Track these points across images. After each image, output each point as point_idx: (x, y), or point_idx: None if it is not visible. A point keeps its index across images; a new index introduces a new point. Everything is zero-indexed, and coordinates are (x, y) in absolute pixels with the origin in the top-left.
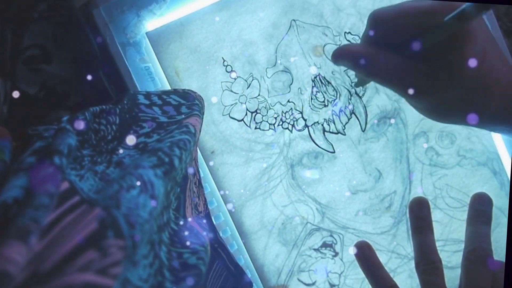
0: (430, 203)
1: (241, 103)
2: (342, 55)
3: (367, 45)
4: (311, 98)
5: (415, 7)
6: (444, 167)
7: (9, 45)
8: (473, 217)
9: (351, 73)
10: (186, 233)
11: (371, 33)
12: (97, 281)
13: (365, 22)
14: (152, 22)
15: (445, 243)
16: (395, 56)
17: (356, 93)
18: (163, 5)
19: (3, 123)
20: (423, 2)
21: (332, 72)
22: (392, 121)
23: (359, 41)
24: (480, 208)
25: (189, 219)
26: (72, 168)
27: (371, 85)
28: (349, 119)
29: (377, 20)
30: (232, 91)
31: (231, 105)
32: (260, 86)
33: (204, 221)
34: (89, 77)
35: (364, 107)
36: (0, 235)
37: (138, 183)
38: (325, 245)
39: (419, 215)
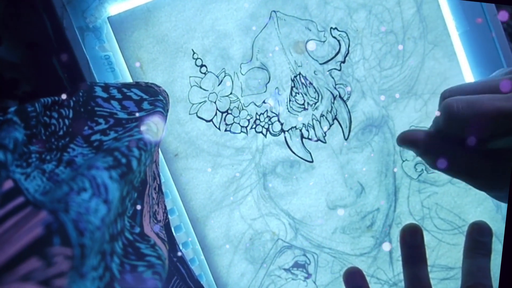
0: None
1: (211, 101)
2: (407, 142)
3: (436, 136)
4: (290, 100)
5: (497, 110)
6: (434, 184)
7: None
8: (471, 249)
9: (335, 73)
10: (142, 244)
11: (443, 126)
12: None
13: (354, 17)
14: (115, 6)
15: (431, 269)
16: (464, 152)
17: (340, 96)
18: None
19: None
20: (505, 102)
21: (314, 71)
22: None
23: (346, 39)
24: (479, 239)
25: (146, 229)
26: (18, 166)
27: (357, 88)
28: (330, 126)
29: (451, 112)
30: (201, 87)
31: (200, 103)
32: (233, 83)
33: (163, 231)
34: (41, 64)
35: (349, 112)
36: None
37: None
38: (297, 265)
39: (412, 244)
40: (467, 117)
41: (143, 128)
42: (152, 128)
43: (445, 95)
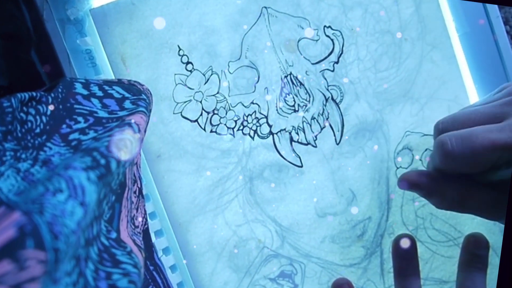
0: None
1: (196, 100)
2: (410, 186)
3: (437, 175)
4: (279, 101)
5: (492, 143)
6: None
7: None
8: (467, 262)
9: (328, 74)
10: (118, 250)
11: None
12: None
13: (349, 15)
14: None
15: (424, 282)
16: (470, 187)
17: (332, 98)
18: None
19: None
20: (498, 133)
21: (306, 72)
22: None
23: (340, 38)
24: (475, 252)
25: (123, 234)
26: None
27: (351, 90)
28: (322, 129)
29: (446, 150)
30: (186, 85)
31: (184, 102)
32: (220, 82)
33: (141, 237)
34: (19, 57)
35: (341, 115)
36: None
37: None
38: (283, 275)
39: (405, 255)
40: (463, 154)
41: (124, 128)
42: (134, 128)
43: (438, 128)
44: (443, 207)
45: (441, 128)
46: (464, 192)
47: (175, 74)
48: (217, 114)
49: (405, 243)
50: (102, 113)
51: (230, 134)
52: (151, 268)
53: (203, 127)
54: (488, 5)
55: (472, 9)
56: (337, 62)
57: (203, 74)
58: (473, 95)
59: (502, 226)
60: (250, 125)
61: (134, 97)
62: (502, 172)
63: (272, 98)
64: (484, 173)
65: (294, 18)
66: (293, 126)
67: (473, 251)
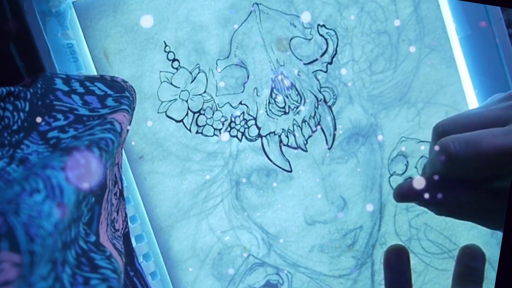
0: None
1: (182, 100)
2: (406, 198)
3: (434, 182)
4: (269, 102)
5: (498, 148)
6: None
7: None
8: (461, 275)
9: (321, 75)
10: (97, 254)
11: (441, 169)
12: None
13: (344, 14)
14: None
15: None
16: (469, 194)
17: (324, 100)
18: None
19: None
20: (505, 137)
21: (297, 72)
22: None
23: (334, 38)
24: (471, 265)
25: (102, 238)
26: None
27: (345, 93)
28: (313, 132)
29: (448, 154)
30: (172, 84)
31: (170, 101)
32: (207, 81)
33: (121, 241)
34: None
35: (333, 119)
36: None
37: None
38: (268, 284)
39: (397, 267)
40: (466, 158)
41: (105, 126)
42: (116, 127)
43: (438, 130)
44: (442, 214)
45: (441, 131)
46: (463, 198)
47: (160, 72)
48: (204, 114)
49: (397, 255)
50: (83, 111)
51: (217, 135)
52: (132, 273)
53: (188, 128)
54: (490, 6)
55: (474, 10)
56: (330, 63)
57: (189, 72)
58: (472, 100)
59: (500, 238)
60: (238, 127)
61: (117, 94)
62: (504, 179)
63: (261, 99)
64: (486, 179)
65: (286, 16)
66: (283, 129)
67: (468, 264)
